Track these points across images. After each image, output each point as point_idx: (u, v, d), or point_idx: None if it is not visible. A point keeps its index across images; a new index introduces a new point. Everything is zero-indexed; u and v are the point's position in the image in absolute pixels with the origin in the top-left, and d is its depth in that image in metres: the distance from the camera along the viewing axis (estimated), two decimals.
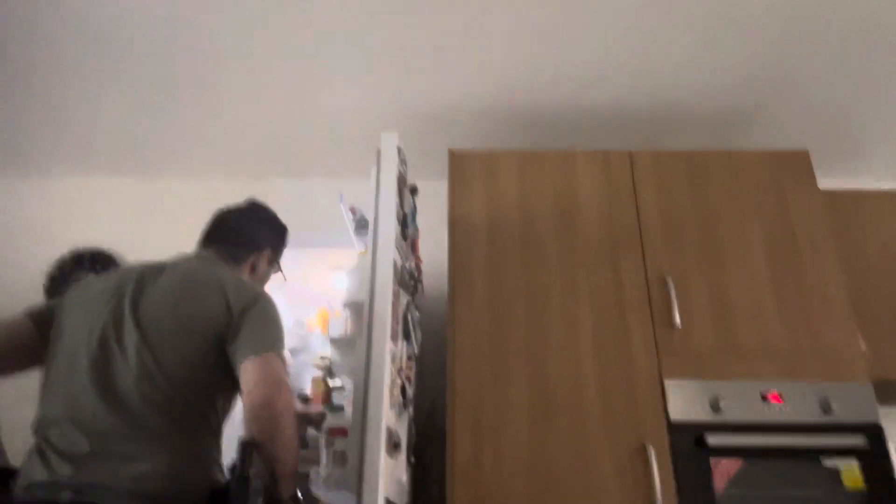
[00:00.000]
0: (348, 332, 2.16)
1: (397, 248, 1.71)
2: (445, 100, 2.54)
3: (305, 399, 2.92)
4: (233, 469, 1.18)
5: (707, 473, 1.79)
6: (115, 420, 1.23)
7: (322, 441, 1.73)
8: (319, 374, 2.95)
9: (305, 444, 2.71)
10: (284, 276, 1.81)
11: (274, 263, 1.75)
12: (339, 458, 1.66)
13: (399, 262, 1.74)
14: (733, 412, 1.86)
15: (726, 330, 1.98)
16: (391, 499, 1.52)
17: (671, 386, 1.91)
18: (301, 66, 2.35)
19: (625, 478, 1.80)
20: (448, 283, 2.07)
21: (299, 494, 1.30)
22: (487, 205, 2.18)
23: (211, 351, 1.34)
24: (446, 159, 2.27)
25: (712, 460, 1.81)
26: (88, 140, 2.78)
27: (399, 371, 1.69)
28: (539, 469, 1.82)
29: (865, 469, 1.79)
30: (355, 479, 1.40)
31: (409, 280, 1.86)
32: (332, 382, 2.79)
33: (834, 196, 2.32)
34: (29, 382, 1.40)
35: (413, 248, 2.04)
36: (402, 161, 1.86)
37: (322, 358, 2.84)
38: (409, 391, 1.83)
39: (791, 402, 1.87)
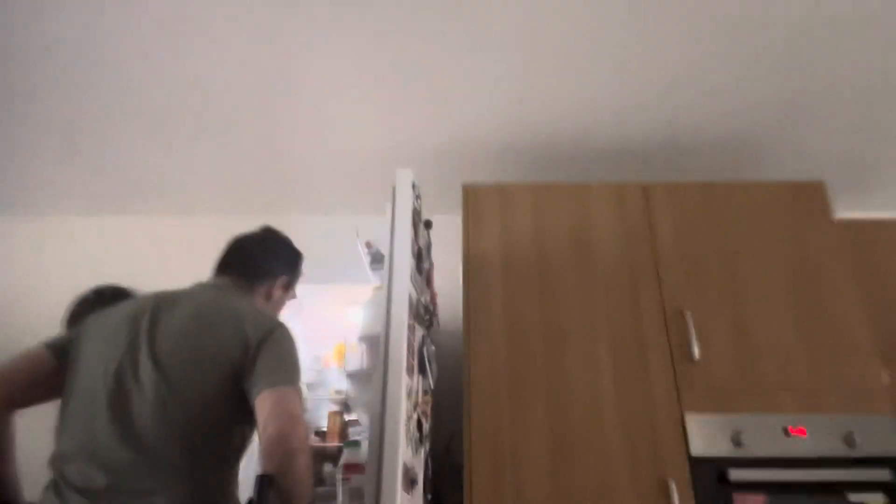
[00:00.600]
0: (364, 365, 2.16)
1: (412, 282, 1.72)
2: (459, 135, 2.57)
3: (322, 434, 2.90)
4: (249, 503, 1.17)
5: None
6: (132, 455, 1.23)
7: (338, 477, 1.72)
8: (336, 408, 2.94)
9: (322, 481, 2.69)
10: (300, 301, 1.80)
11: (290, 290, 1.74)
12: (356, 496, 1.64)
13: (414, 296, 1.74)
14: (755, 447, 1.83)
15: (747, 363, 1.96)
16: None
17: (692, 420, 1.88)
18: (316, 103, 2.40)
19: None
20: (463, 316, 2.07)
21: None
22: (502, 238, 2.19)
23: (227, 384, 1.33)
24: (460, 194, 2.30)
25: (735, 496, 1.77)
26: (108, 180, 2.84)
27: (415, 406, 1.68)
28: None
29: None
30: None
31: (424, 314, 1.87)
32: (348, 417, 2.77)
33: (850, 226, 2.30)
34: (44, 415, 1.40)
35: (428, 281, 2.05)
36: (417, 196, 1.88)
37: (337, 392, 2.84)
38: (426, 426, 1.82)
39: (814, 436, 1.83)
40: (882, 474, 1.76)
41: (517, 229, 2.21)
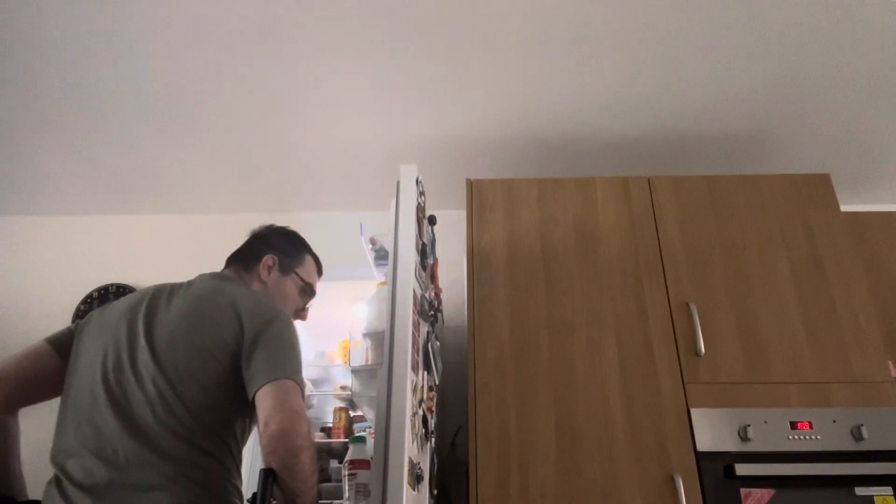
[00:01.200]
0: (369, 361, 2.16)
1: (417, 277, 1.72)
2: (463, 131, 2.57)
3: (328, 430, 2.91)
4: (253, 499, 1.16)
5: None
6: (132, 448, 1.21)
7: (344, 473, 1.72)
8: (341, 404, 2.95)
9: (328, 477, 2.69)
10: (308, 287, 1.73)
11: (288, 272, 1.67)
12: (362, 491, 1.64)
13: (419, 292, 1.74)
14: (762, 441, 1.82)
15: (753, 357, 1.95)
16: None
17: (698, 415, 1.87)
18: (320, 100, 2.39)
19: None
20: (468, 312, 2.07)
21: None
22: (506, 233, 2.19)
23: (227, 374, 1.31)
24: (464, 189, 2.29)
25: (742, 490, 1.76)
26: (110, 179, 2.85)
27: (420, 402, 1.68)
28: (566, 502, 1.78)
29: None
30: None
31: (428, 310, 1.87)
32: (353, 413, 2.78)
33: (856, 218, 2.29)
34: (47, 411, 1.40)
35: (433, 277, 2.05)
36: (421, 192, 1.88)
37: (343, 388, 2.84)
38: (431, 422, 1.82)
39: (822, 430, 1.83)
40: (890, 467, 1.75)
41: (522, 223, 2.20)
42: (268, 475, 1.17)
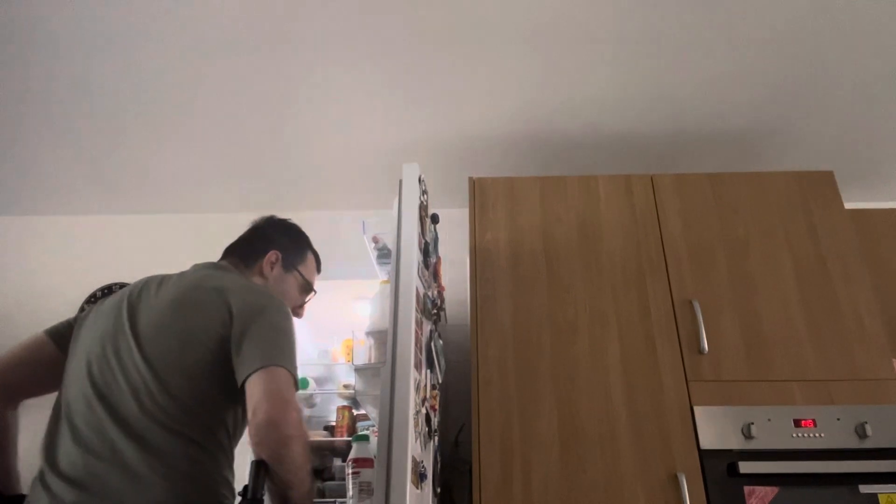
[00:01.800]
0: (372, 359, 2.16)
1: (419, 276, 1.72)
2: (466, 130, 2.56)
3: (331, 428, 2.92)
4: (244, 492, 1.12)
5: (741, 502, 1.74)
6: (117, 438, 1.18)
7: (347, 471, 1.72)
8: (344, 403, 2.95)
9: (332, 476, 2.70)
10: (307, 284, 1.70)
11: (290, 269, 1.65)
12: (365, 490, 1.65)
13: (422, 291, 1.74)
14: (766, 439, 1.82)
15: (756, 354, 1.95)
16: None
17: (701, 413, 1.87)
18: (323, 100, 2.39)
19: None
20: (470, 310, 2.07)
21: None
22: (509, 231, 2.19)
23: (216, 362, 1.26)
24: (466, 188, 2.29)
25: (746, 488, 1.76)
26: (112, 179, 2.85)
27: (423, 400, 1.68)
28: (569, 499, 1.79)
29: None
30: None
31: (431, 308, 1.87)
32: (356, 411, 2.78)
33: (860, 215, 2.28)
34: (41, 408, 1.38)
35: (435, 276, 2.05)
36: (424, 191, 1.88)
37: (346, 386, 2.85)
38: (434, 420, 1.82)
39: (825, 428, 1.82)
40: (894, 465, 1.75)
41: (524, 222, 2.20)
42: (259, 466, 1.12)
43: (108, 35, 2.10)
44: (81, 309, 2.87)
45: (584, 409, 1.90)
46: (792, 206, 2.17)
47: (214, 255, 1.68)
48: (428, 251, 1.89)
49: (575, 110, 2.46)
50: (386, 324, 1.62)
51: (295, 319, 1.55)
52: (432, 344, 1.84)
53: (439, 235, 2.10)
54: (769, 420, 1.84)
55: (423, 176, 1.85)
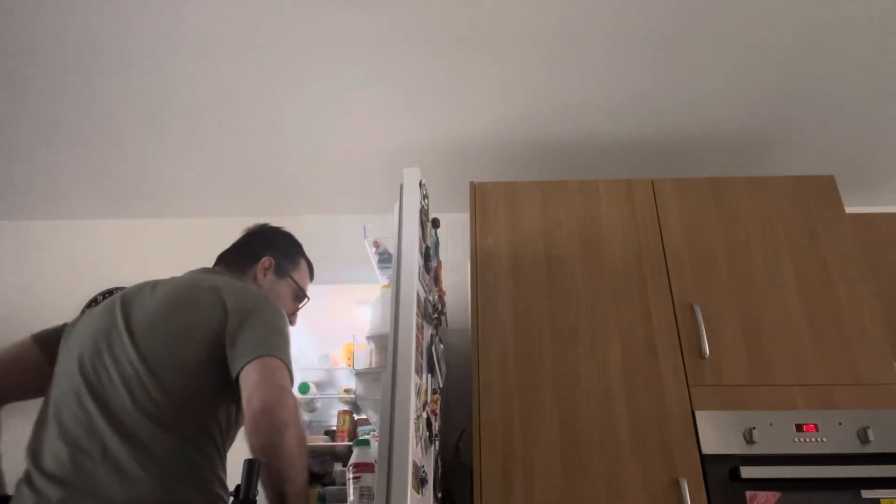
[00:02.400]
0: (373, 364, 2.16)
1: (420, 280, 1.72)
2: (466, 133, 2.57)
3: (332, 433, 2.91)
4: (236, 491, 1.10)
5: None
6: (108, 435, 1.16)
7: (348, 476, 1.72)
8: (345, 407, 2.94)
9: (333, 481, 2.69)
10: (301, 292, 1.70)
11: (283, 276, 1.65)
12: (366, 495, 1.64)
13: (422, 295, 1.74)
14: (768, 444, 1.81)
15: (758, 359, 1.94)
16: None
17: (703, 418, 1.87)
18: (324, 102, 2.40)
19: None
20: (471, 315, 2.07)
21: None
22: (510, 236, 2.19)
23: (210, 358, 1.25)
24: (467, 192, 2.29)
25: (748, 493, 1.75)
26: (112, 183, 2.84)
27: (424, 405, 1.68)
28: None
29: None
30: None
31: (432, 313, 1.87)
32: (357, 416, 2.77)
33: (861, 219, 2.28)
34: (28, 409, 1.37)
35: (436, 280, 2.05)
36: (425, 195, 1.88)
37: (346, 391, 2.84)
38: (435, 425, 1.82)
39: (827, 433, 1.82)
40: None
41: (525, 226, 2.20)
42: (252, 465, 1.10)
43: (112, 45, 2.11)
44: (82, 313, 2.87)
45: (585, 413, 1.90)
46: (793, 211, 2.17)
47: (211, 261, 1.68)
48: (429, 255, 1.89)
49: (576, 115, 2.46)
50: (387, 328, 1.62)
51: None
52: (433, 348, 1.84)
53: (440, 239, 2.10)
54: (771, 424, 1.83)
55: (423, 180, 1.85)
